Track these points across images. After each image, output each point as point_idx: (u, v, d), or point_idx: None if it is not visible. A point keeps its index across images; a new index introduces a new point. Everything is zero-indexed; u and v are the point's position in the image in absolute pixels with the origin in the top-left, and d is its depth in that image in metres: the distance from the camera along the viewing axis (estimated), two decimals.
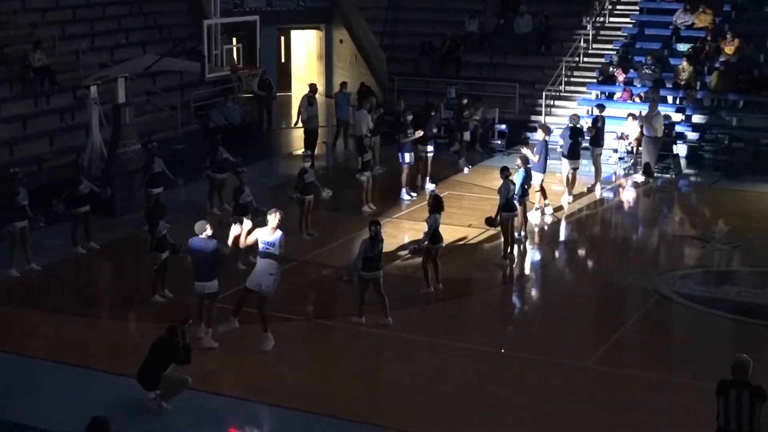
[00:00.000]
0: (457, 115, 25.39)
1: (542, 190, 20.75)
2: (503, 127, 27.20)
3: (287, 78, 34.78)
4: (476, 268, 18.11)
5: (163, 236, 15.81)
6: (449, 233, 18.52)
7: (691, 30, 28.50)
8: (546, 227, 20.61)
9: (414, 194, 21.96)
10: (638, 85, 27.10)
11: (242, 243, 14.70)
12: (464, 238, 19.32)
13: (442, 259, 16.92)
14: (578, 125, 22.00)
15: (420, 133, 21.96)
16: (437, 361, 14.33)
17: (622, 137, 24.85)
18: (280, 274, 14.29)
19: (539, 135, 21.07)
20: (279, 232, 14.19)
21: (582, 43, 29.43)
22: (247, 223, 14.72)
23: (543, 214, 20.82)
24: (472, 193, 22.50)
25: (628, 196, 23.34)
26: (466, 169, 24.43)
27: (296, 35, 35.24)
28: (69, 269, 17.89)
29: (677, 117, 26.05)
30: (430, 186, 22.21)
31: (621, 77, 27.35)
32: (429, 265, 16.49)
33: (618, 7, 30.86)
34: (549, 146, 20.83)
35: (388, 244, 16.88)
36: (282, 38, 34.81)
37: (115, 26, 28.64)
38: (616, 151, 24.98)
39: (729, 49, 26.98)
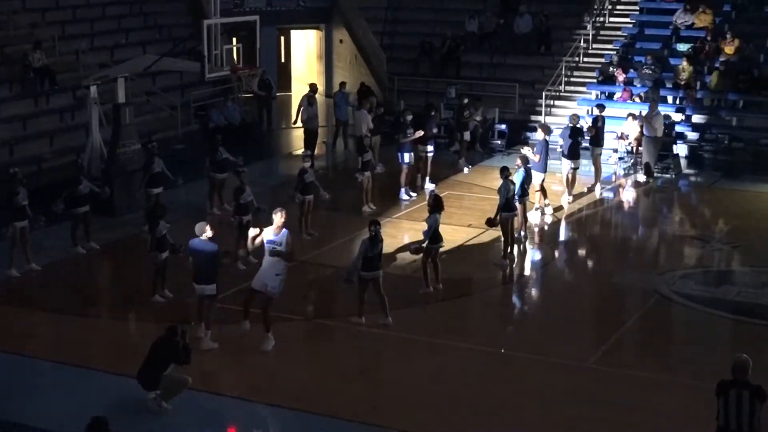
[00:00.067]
0: (457, 115, 25.39)
1: (542, 190, 20.76)
2: (503, 127, 27.20)
3: (287, 78, 34.79)
4: (476, 268, 18.11)
5: (163, 236, 15.81)
6: (449, 233, 18.51)
7: (691, 30, 28.50)
8: (546, 227, 20.61)
9: (413, 194, 21.96)
10: (638, 85, 27.10)
11: (249, 244, 14.66)
12: (464, 238, 19.31)
13: (442, 259, 16.92)
14: (578, 125, 22.01)
15: (420, 133, 21.96)
16: (437, 361, 14.33)
17: (622, 137, 24.86)
18: (286, 274, 14.29)
19: (539, 135, 21.08)
20: (285, 231, 14.21)
21: (582, 43, 29.43)
22: (253, 230, 14.72)
23: (543, 214, 20.83)
24: (472, 193, 22.50)
25: (628, 196, 23.34)
26: (466, 169, 24.44)
27: (296, 35, 35.24)
28: (69, 269, 17.90)
29: (677, 117, 26.04)
30: (429, 186, 22.19)
31: (621, 77, 27.35)
32: (429, 265, 16.49)
33: (618, 7, 30.86)
34: (549, 146, 20.82)
35: (388, 244, 16.89)
36: (282, 38, 34.82)
37: (115, 26, 28.64)
38: (616, 151, 24.99)
39: (729, 49, 26.98)
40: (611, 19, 30.66)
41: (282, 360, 14.12)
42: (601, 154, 23.07)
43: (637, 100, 26.58)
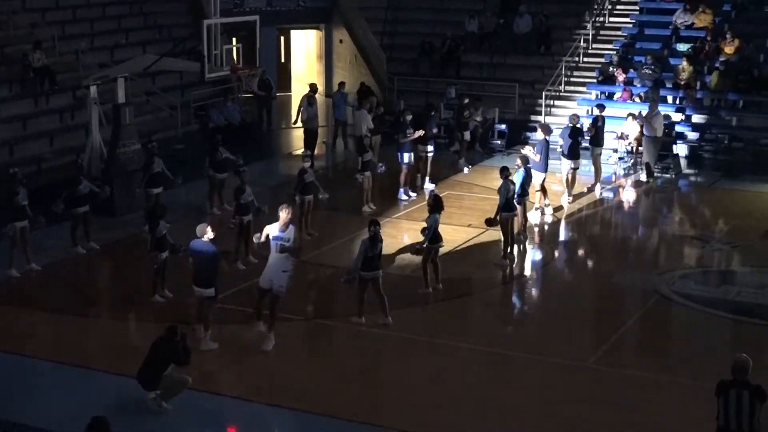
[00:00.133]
0: (457, 115, 25.40)
1: (543, 190, 20.76)
2: (503, 127, 27.21)
3: (287, 78, 34.80)
4: (476, 268, 18.11)
5: (163, 236, 15.80)
6: (449, 233, 18.51)
7: (691, 30, 28.50)
8: (546, 227, 20.61)
9: (413, 194, 21.95)
10: (638, 85, 27.10)
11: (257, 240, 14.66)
12: (464, 238, 19.31)
13: (441, 259, 16.93)
14: (578, 125, 22.01)
15: (420, 133, 21.95)
16: (437, 361, 14.33)
17: (622, 137, 24.86)
18: (292, 271, 14.30)
19: (539, 135, 21.08)
20: (292, 226, 14.24)
21: (582, 43, 29.43)
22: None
23: (543, 214, 20.83)
24: (472, 193, 22.50)
25: (628, 196, 23.34)
26: (466, 169, 24.44)
27: (296, 35, 35.24)
28: (69, 269, 17.89)
29: (677, 117, 26.05)
30: (429, 186, 22.20)
31: (621, 77, 27.35)
32: (429, 266, 16.49)
33: (618, 7, 30.86)
34: (549, 146, 20.82)
35: (388, 244, 16.89)
36: (282, 38, 34.82)
37: (115, 26, 28.65)
38: (616, 151, 24.99)
39: (729, 49, 26.98)
40: (611, 19, 30.66)
41: (282, 360, 14.13)
42: (601, 154, 23.08)
43: (637, 100, 26.58)
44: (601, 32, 30.30)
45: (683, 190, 24.16)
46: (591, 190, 22.70)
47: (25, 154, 22.78)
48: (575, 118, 22.15)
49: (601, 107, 23.98)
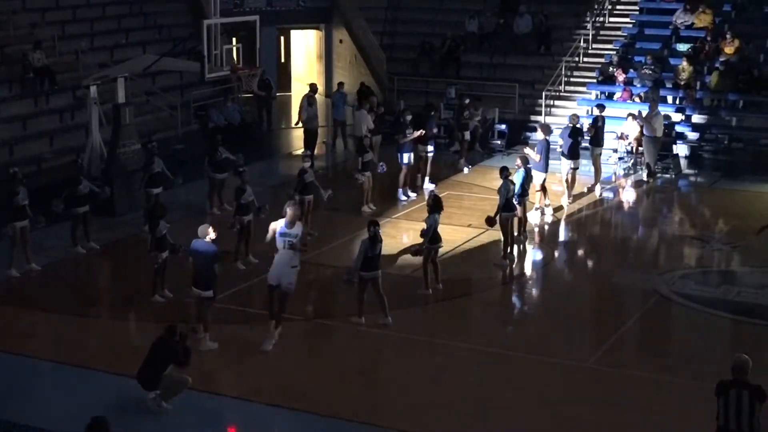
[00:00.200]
0: (457, 115, 25.40)
1: (543, 190, 20.77)
2: (503, 127, 27.20)
3: (287, 78, 34.80)
4: (476, 268, 18.10)
5: (163, 236, 15.81)
6: (449, 233, 18.52)
7: (691, 30, 28.50)
8: (546, 227, 20.61)
9: (413, 194, 21.93)
10: (638, 85, 27.10)
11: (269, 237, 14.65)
12: (464, 238, 19.31)
13: (441, 259, 16.93)
14: (578, 125, 22.01)
15: (420, 133, 21.94)
16: (437, 361, 14.34)
17: (621, 137, 24.86)
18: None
19: (540, 135, 21.08)
20: (299, 224, 14.28)
21: (582, 43, 29.43)
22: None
23: (543, 214, 20.83)
24: (472, 193, 22.50)
25: (628, 196, 23.35)
26: (466, 169, 24.44)
27: (296, 35, 35.24)
28: (69, 269, 17.90)
29: (677, 117, 26.04)
30: (429, 186, 22.21)
31: (621, 77, 27.35)
32: (429, 266, 16.48)
33: (618, 7, 30.86)
34: (550, 146, 20.82)
35: (388, 245, 16.90)
36: (282, 38, 34.81)
37: (115, 26, 28.66)
38: (615, 151, 24.99)
39: (729, 49, 26.98)
40: (611, 19, 30.66)
41: (282, 360, 14.13)
42: (600, 154, 23.08)
43: (637, 100, 26.58)
44: (601, 32, 30.30)
45: (683, 191, 24.16)
46: (591, 190, 22.70)
47: (25, 154, 22.79)
48: (575, 118, 22.15)
49: (601, 107, 23.98)
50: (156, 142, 21.10)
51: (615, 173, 24.43)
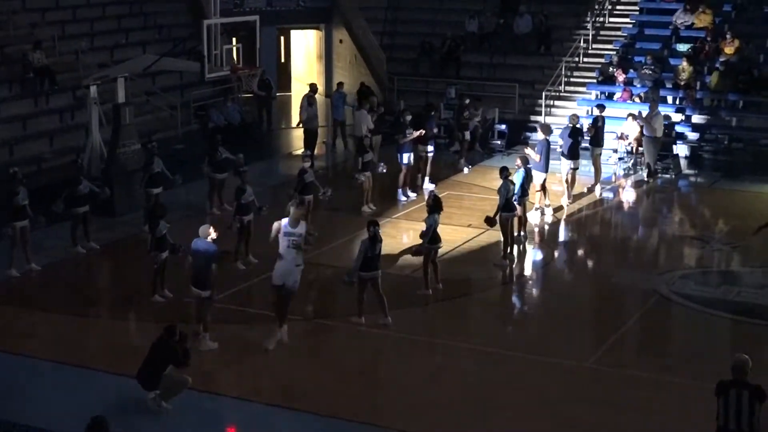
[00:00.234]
0: (457, 115, 25.40)
1: (543, 190, 20.78)
2: (503, 127, 27.20)
3: (287, 78, 34.80)
4: (476, 268, 18.10)
5: (163, 236, 15.80)
6: (449, 233, 18.53)
7: (691, 30, 28.50)
8: (546, 227, 20.61)
9: (412, 195, 21.92)
10: (638, 85, 27.10)
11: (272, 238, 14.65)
12: (464, 238, 19.31)
13: (441, 259, 16.93)
14: (578, 125, 22.02)
15: (420, 133, 21.93)
16: (437, 361, 14.35)
17: (621, 137, 24.86)
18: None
19: (540, 135, 21.09)
20: (302, 223, 14.31)
21: (582, 43, 29.43)
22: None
23: (543, 214, 20.83)
24: (472, 193, 22.50)
25: (628, 196, 23.35)
26: (466, 169, 24.44)
27: (296, 35, 35.24)
28: (69, 269, 17.89)
29: (677, 117, 26.04)
30: (429, 186, 22.21)
31: (621, 77, 27.35)
32: (429, 266, 16.47)
33: (618, 7, 30.86)
34: (550, 146, 20.83)
35: (388, 245, 16.90)
36: (282, 38, 34.81)
37: (115, 26, 28.66)
38: (615, 151, 24.99)
39: (729, 50, 26.98)
40: (611, 19, 30.66)
41: (282, 360, 14.13)
42: (601, 154, 23.08)
43: (637, 100, 26.58)
44: (601, 32, 30.29)
45: (683, 191, 24.16)
46: (591, 190, 22.70)
47: (25, 154, 22.79)
48: (575, 118, 22.15)
49: (601, 107, 23.99)
50: (156, 142, 21.09)
51: (615, 173, 24.43)
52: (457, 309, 16.50)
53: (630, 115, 24.55)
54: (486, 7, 31.84)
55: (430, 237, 16.28)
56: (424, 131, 22.10)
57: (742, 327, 15.67)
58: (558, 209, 21.34)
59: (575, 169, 21.81)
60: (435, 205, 16.48)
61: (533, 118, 27.79)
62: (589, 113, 25.66)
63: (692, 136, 25.75)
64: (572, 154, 21.65)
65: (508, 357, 14.40)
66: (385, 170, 21.54)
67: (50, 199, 18.15)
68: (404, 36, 32.63)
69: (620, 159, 24.83)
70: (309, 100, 25.52)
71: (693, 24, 28.53)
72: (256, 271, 17.29)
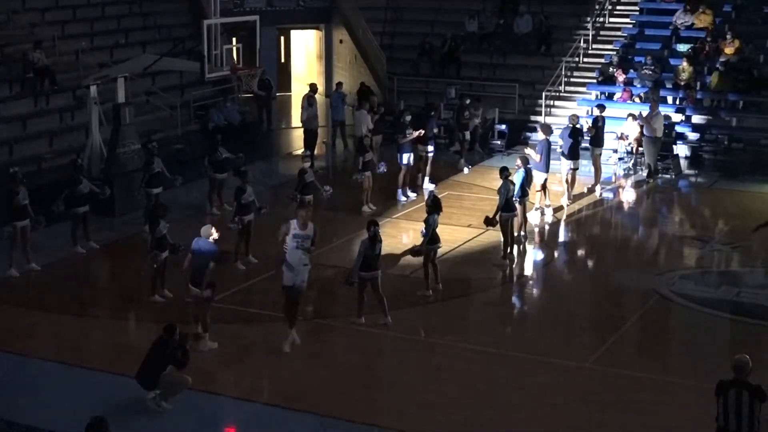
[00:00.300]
0: (457, 115, 25.40)
1: (544, 190, 20.78)
2: (503, 127, 27.20)
3: (287, 78, 34.78)
4: (476, 268, 18.10)
5: (163, 236, 15.81)
6: (449, 233, 18.54)
7: (691, 30, 28.49)
8: (546, 227, 20.61)
9: (412, 195, 21.91)
10: (638, 86, 27.10)
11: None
12: (464, 238, 19.31)
13: (441, 259, 16.92)
14: (578, 125, 22.02)
15: (419, 133, 21.94)
16: (437, 361, 14.34)
17: (621, 137, 24.86)
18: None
19: (540, 135, 21.10)
20: (311, 225, 14.32)
21: (582, 44, 29.42)
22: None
23: (543, 214, 20.83)
24: (472, 193, 22.50)
25: (628, 196, 23.35)
26: (466, 169, 24.44)
27: (296, 35, 35.24)
28: (69, 269, 17.89)
29: (677, 117, 26.04)
30: (429, 186, 22.22)
31: (621, 77, 27.34)
32: (429, 267, 16.47)
33: (618, 7, 30.84)
34: (551, 146, 20.83)
35: (387, 245, 16.90)
36: (282, 38, 34.81)
37: (115, 26, 28.66)
38: (615, 151, 25.00)
39: (729, 50, 26.97)
40: (611, 20, 30.64)
41: (282, 360, 14.12)
42: (601, 154, 23.09)
43: (637, 100, 26.57)
44: (601, 33, 30.28)
45: (683, 191, 24.15)
46: (591, 190, 22.70)
47: (25, 154, 22.79)
48: (575, 118, 22.15)
49: (602, 107, 24.00)
50: (156, 142, 21.08)
51: (615, 173, 24.43)
52: (457, 309, 16.50)
53: (630, 115, 24.55)
54: (486, 7, 31.83)
55: (430, 237, 16.28)
56: (423, 131, 22.10)
57: (742, 327, 15.67)
58: (558, 209, 21.34)
59: (575, 169, 21.81)
60: (434, 206, 16.48)
61: (533, 118, 27.79)
62: (589, 113, 25.66)
63: (692, 136, 25.75)
64: (572, 154, 21.65)
65: (508, 357, 14.41)
66: (385, 170, 21.53)
67: (50, 199, 18.16)
68: (404, 36, 32.61)
69: (620, 159, 24.83)
70: (309, 100, 25.51)
71: (693, 24, 28.52)
72: (256, 271, 17.32)
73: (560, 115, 26.78)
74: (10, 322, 15.39)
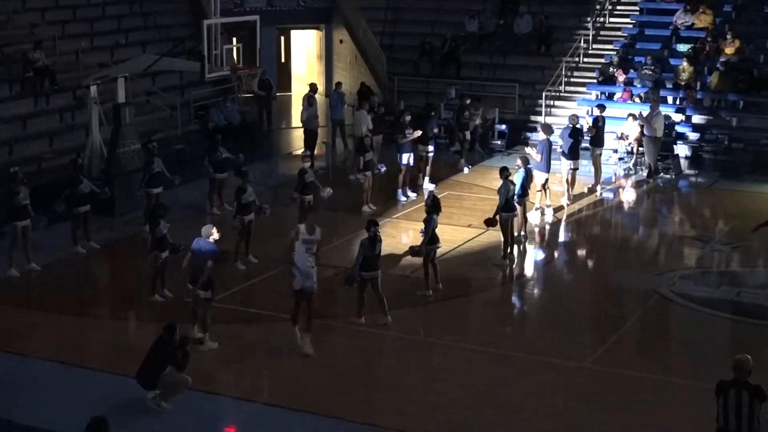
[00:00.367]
0: (458, 115, 25.40)
1: (544, 190, 20.78)
2: (503, 127, 27.20)
3: (287, 78, 34.79)
4: (476, 268, 18.10)
5: (163, 236, 15.81)
6: (449, 233, 18.55)
7: (691, 30, 28.49)
8: (546, 227, 20.61)
9: (412, 195, 21.90)
10: (638, 86, 27.10)
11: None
12: (464, 238, 19.31)
13: (442, 259, 16.92)
14: (578, 125, 22.02)
15: (418, 133, 21.95)
16: (437, 361, 14.34)
17: (622, 137, 24.87)
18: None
19: (541, 135, 21.10)
20: (318, 228, 14.38)
21: (582, 44, 29.42)
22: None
23: (543, 214, 20.83)
24: (472, 193, 22.50)
25: (628, 196, 23.35)
26: (466, 169, 24.44)
27: (296, 35, 35.24)
28: (69, 269, 17.89)
29: (677, 117, 26.04)
30: (429, 186, 22.23)
31: (621, 77, 27.34)
32: (428, 267, 16.46)
33: (618, 7, 30.84)
34: (552, 146, 20.83)
35: (387, 245, 16.90)
36: (282, 38, 34.81)
37: (115, 26, 28.65)
38: (616, 151, 25.00)
39: (729, 50, 26.97)
40: (611, 20, 30.64)
41: (282, 360, 14.12)
42: (601, 154, 23.10)
43: (637, 100, 26.57)
44: (601, 33, 30.27)
45: (683, 191, 24.15)
46: (591, 190, 22.70)
47: (25, 154, 22.77)
48: (574, 118, 22.16)
49: (602, 107, 24.00)
50: (156, 142, 21.08)
51: (615, 173, 24.43)
52: (457, 309, 16.49)
53: (630, 115, 24.55)
54: (486, 8, 31.83)
55: (429, 237, 16.27)
56: (421, 131, 22.09)
57: (742, 327, 15.66)
58: (558, 209, 21.34)
59: (575, 169, 21.81)
60: (433, 206, 16.48)
61: (533, 118, 27.79)
62: (590, 113, 25.66)
63: (692, 136, 25.75)
64: (572, 154, 21.65)
65: (508, 357, 14.41)
66: (383, 171, 21.53)
67: (50, 199, 18.16)
68: (404, 36, 32.61)
69: (620, 159, 24.84)
70: (309, 100, 25.52)
71: (693, 24, 28.52)
72: (256, 271, 17.32)
73: (560, 115, 26.77)
74: (10, 322, 15.39)
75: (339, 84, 27.99)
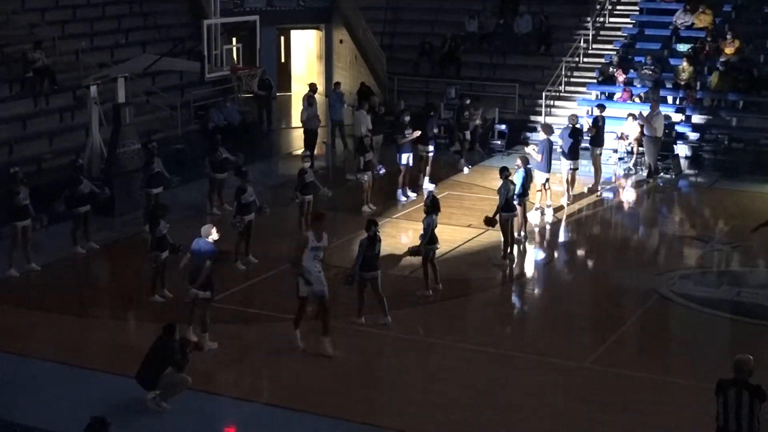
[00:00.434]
0: (457, 115, 25.40)
1: (544, 190, 20.78)
2: (503, 127, 27.20)
3: (287, 78, 34.80)
4: (476, 268, 18.10)
5: (163, 236, 15.81)
6: (449, 233, 18.55)
7: (691, 30, 28.49)
8: (546, 227, 20.61)
9: (412, 195, 21.90)
10: (638, 86, 27.10)
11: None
12: (464, 238, 19.31)
13: (441, 259, 16.91)
14: (578, 125, 22.02)
15: (418, 133, 21.95)
16: (437, 361, 14.33)
17: (622, 137, 24.87)
18: None
19: (542, 135, 21.10)
20: (325, 235, 14.36)
21: (582, 44, 29.42)
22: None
23: (543, 214, 20.83)
24: (472, 193, 22.50)
25: (628, 196, 23.35)
26: (466, 169, 24.44)
27: (296, 35, 35.25)
28: (69, 269, 17.89)
29: (677, 117, 26.04)
30: (429, 186, 22.23)
31: (621, 77, 27.35)
32: (428, 267, 16.46)
33: (618, 7, 30.85)
34: (552, 145, 20.83)
35: (387, 245, 16.90)
36: (282, 38, 34.82)
37: (115, 26, 28.66)
38: (616, 151, 25.01)
39: (729, 50, 26.98)
40: (611, 20, 30.64)
41: (282, 360, 14.12)
42: (601, 154, 23.10)
43: (637, 100, 26.58)
44: (601, 32, 30.28)
45: (683, 191, 24.16)
46: (591, 190, 22.70)
47: (25, 154, 22.78)
48: (574, 118, 22.16)
49: (602, 107, 24.00)
50: (156, 142, 21.08)
51: (615, 173, 24.43)
52: (457, 309, 16.49)
53: (630, 115, 24.56)
54: (486, 7, 31.83)
55: (428, 238, 16.27)
56: (421, 131, 22.09)
57: (742, 327, 15.66)
58: (558, 209, 21.35)
59: (575, 169, 21.82)
60: (433, 206, 16.47)
61: (533, 118, 27.79)
62: (590, 113, 25.66)
63: (692, 136, 25.76)
64: (572, 154, 21.65)
65: (508, 357, 14.41)
66: (383, 172, 21.53)
67: (50, 198, 18.16)
68: (404, 36, 32.61)
69: (620, 159, 24.84)
70: (309, 100, 25.51)
71: (693, 24, 28.53)
72: (256, 271, 17.32)
73: (560, 115, 26.77)
74: (10, 322, 15.39)
75: (338, 84, 27.99)
